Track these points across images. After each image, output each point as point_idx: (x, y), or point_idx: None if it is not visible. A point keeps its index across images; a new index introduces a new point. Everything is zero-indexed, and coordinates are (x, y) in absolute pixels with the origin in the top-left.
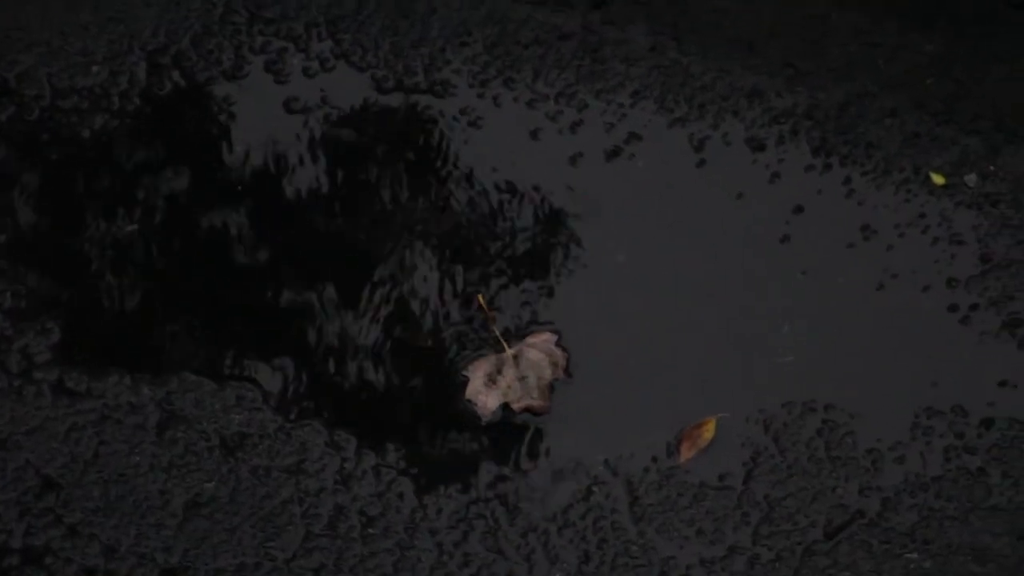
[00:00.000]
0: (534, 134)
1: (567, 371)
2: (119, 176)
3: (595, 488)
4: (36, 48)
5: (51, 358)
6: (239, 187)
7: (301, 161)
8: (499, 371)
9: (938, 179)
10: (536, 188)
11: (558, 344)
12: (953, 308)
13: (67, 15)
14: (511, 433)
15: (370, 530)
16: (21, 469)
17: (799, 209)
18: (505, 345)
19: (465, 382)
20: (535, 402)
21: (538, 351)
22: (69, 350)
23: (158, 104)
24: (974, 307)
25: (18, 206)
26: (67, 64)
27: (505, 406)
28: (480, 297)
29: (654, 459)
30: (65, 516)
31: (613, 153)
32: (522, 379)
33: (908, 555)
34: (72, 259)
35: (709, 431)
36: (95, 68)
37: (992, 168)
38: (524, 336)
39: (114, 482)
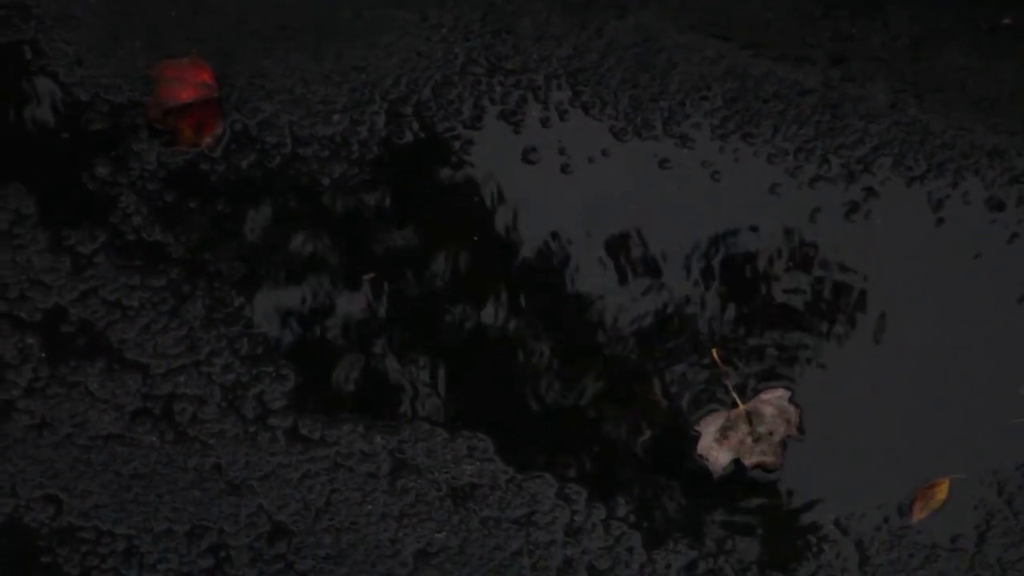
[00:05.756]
0: (773, 188)
1: (800, 428)
2: (357, 224)
3: (825, 546)
4: (278, 96)
5: (286, 405)
6: (475, 237)
7: (538, 212)
8: (731, 427)
9: None
10: (773, 243)
11: (791, 401)
12: None
13: (310, 64)
14: (742, 489)
15: None
16: (254, 515)
17: None
18: (738, 400)
19: (697, 437)
20: (767, 458)
21: (771, 407)
22: (304, 397)
23: (397, 153)
24: None
25: (257, 252)
26: (308, 112)
27: (737, 462)
28: (714, 351)
29: (886, 519)
30: (297, 563)
31: (851, 210)
32: (755, 435)
33: None
34: (308, 306)
35: (942, 492)
36: (336, 117)
37: None
38: (757, 392)
39: (346, 530)
